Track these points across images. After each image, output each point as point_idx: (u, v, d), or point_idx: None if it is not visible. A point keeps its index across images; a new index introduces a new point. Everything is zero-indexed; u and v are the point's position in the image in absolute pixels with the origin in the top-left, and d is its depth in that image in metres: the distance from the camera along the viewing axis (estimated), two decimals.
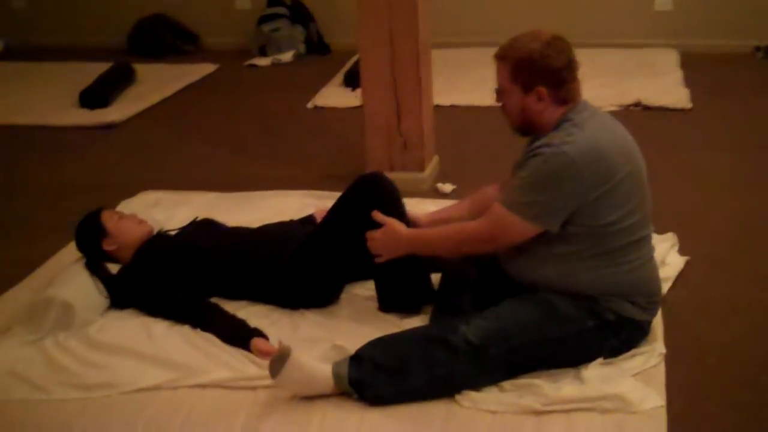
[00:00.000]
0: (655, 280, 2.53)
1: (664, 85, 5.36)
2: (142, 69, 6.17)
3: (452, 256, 2.66)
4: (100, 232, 2.94)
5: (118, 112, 5.35)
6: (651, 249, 2.52)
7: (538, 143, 2.38)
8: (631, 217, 2.38)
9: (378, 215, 2.58)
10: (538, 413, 2.30)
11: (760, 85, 5.55)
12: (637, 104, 5.03)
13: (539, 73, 2.37)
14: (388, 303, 2.77)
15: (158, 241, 2.97)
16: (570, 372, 2.44)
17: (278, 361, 2.31)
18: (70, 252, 3.26)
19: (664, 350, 2.54)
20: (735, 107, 5.08)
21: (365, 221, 2.58)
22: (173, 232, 3.06)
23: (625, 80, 5.45)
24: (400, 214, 2.67)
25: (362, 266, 2.84)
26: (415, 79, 3.70)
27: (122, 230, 2.95)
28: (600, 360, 2.45)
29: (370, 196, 2.66)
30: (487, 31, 6.57)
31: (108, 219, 2.97)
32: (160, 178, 4.32)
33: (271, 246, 2.87)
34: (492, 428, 2.26)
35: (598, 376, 2.40)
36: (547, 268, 2.42)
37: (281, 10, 6.71)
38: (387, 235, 2.58)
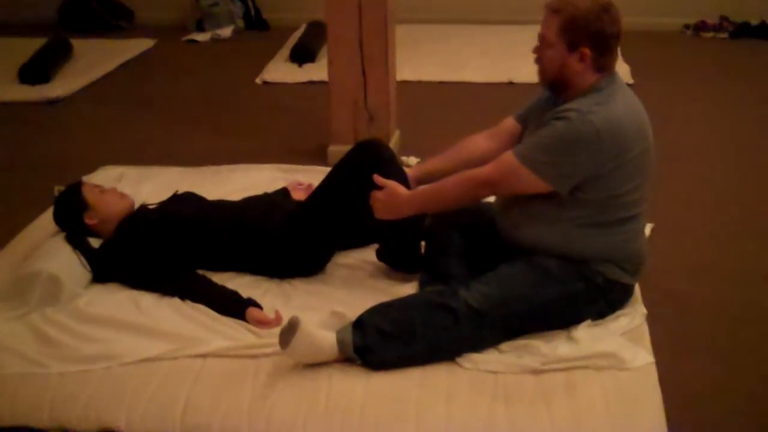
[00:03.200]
0: (644, 249, 2.62)
1: None
2: (77, 44, 6.02)
3: (453, 206, 2.66)
4: (82, 205, 2.88)
5: (60, 87, 5.23)
6: (644, 221, 2.61)
7: (565, 107, 2.42)
8: (637, 192, 2.47)
9: (379, 178, 2.62)
10: (537, 372, 2.38)
11: (692, 62, 5.79)
12: None
13: (590, 34, 2.37)
14: (386, 255, 2.83)
15: (141, 215, 2.94)
16: (562, 333, 2.52)
17: (288, 332, 2.33)
18: (39, 226, 3.20)
19: (645, 311, 2.65)
20: (672, 82, 5.29)
21: (365, 186, 2.62)
22: (153, 206, 3.02)
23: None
24: (401, 178, 2.70)
25: (352, 234, 2.89)
26: (383, 52, 3.73)
27: (104, 204, 2.90)
28: (588, 321, 2.54)
29: (370, 161, 2.69)
30: (438, 7, 6.68)
31: (89, 192, 2.91)
32: (112, 153, 4.24)
33: (258, 216, 2.87)
34: (495, 388, 2.33)
35: (589, 336, 2.49)
36: (548, 230, 2.49)
37: None
38: (389, 197, 2.62)
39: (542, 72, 2.51)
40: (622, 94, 2.46)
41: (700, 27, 6.31)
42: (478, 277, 2.52)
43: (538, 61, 2.50)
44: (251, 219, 2.87)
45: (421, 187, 2.72)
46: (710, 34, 6.26)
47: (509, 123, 2.76)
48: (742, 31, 6.21)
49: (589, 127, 2.34)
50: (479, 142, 2.79)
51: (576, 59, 2.41)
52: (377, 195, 2.64)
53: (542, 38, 2.46)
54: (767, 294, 2.90)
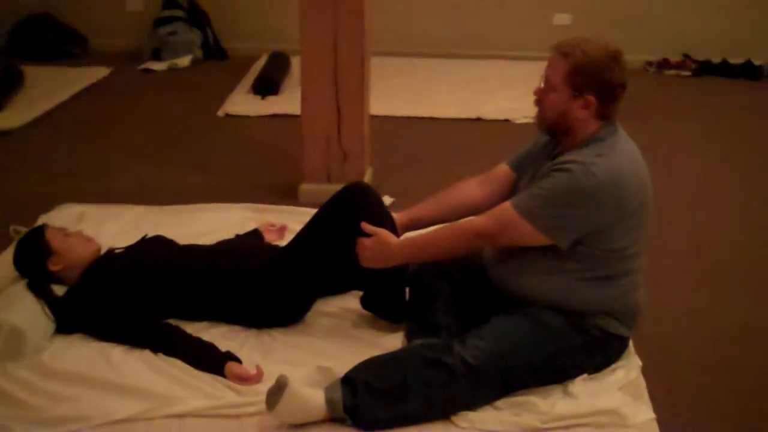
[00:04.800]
0: (642, 301, 2.53)
1: None
2: (28, 72, 5.78)
3: (445, 257, 2.55)
4: (46, 250, 2.70)
5: (11, 118, 4.99)
6: (642, 273, 2.52)
7: (565, 158, 2.33)
8: (636, 246, 2.39)
9: (368, 226, 2.50)
10: (537, 431, 2.27)
11: (655, 99, 5.79)
12: None
13: (598, 83, 2.29)
14: (371, 303, 2.71)
15: (108, 261, 2.76)
16: (558, 388, 2.42)
17: (275, 392, 2.18)
18: None
19: (640, 363, 2.56)
20: (637, 119, 5.23)
21: (352, 232, 2.50)
22: (121, 250, 2.85)
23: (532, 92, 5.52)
24: (389, 225, 2.58)
25: (332, 281, 2.76)
26: (359, 89, 3.62)
27: (69, 249, 2.72)
28: (585, 375, 2.44)
29: (358, 206, 2.56)
30: (406, 40, 6.60)
31: (53, 236, 2.73)
32: (68, 189, 4.03)
33: (234, 262, 2.72)
34: None
35: (587, 391, 2.40)
36: (546, 282, 2.39)
37: (178, 12, 6.47)
38: (378, 245, 2.49)
39: (542, 115, 2.41)
40: (623, 145, 2.37)
41: (663, 65, 6.33)
42: (472, 331, 2.40)
43: (539, 103, 2.40)
44: (227, 265, 2.72)
45: (412, 235, 2.60)
46: (673, 72, 6.28)
47: (502, 170, 2.66)
48: (705, 70, 6.24)
49: (592, 180, 2.25)
50: (471, 188, 2.69)
51: (579, 106, 2.32)
52: (365, 243, 2.51)
53: (546, 80, 2.36)
54: (765, 341, 2.84)
